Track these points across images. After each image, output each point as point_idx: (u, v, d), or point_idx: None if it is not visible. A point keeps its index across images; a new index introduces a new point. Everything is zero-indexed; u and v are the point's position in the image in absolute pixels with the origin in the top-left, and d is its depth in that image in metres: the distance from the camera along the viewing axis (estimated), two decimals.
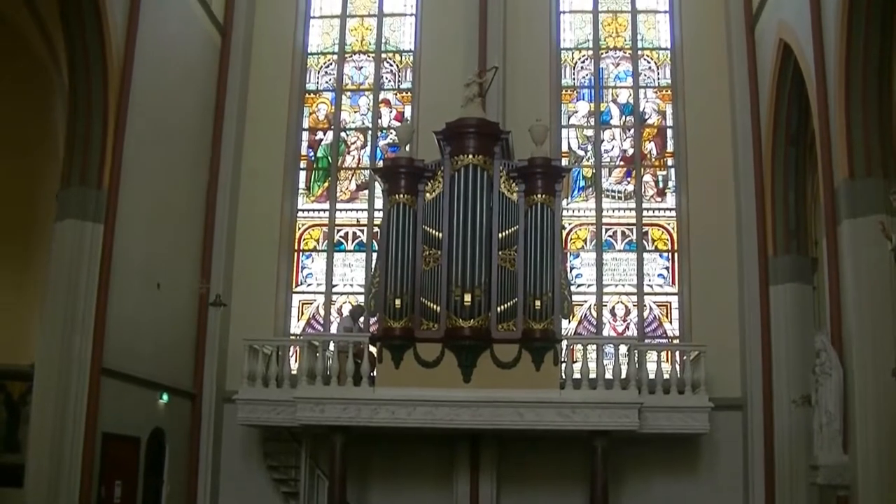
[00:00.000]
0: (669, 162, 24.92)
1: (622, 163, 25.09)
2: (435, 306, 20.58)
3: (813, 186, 21.61)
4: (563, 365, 20.84)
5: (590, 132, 25.30)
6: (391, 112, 25.99)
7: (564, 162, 24.10)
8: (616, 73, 25.69)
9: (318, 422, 20.67)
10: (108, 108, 19.66)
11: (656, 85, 25.48)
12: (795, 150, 21.73)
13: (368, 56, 26.41)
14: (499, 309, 20.50)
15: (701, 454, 22.55)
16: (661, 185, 24.88)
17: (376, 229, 24.01)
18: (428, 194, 21.08)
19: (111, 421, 19.47)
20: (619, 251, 24.54)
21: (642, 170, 24.90)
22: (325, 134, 26.01)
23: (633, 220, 24.56)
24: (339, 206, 25.43)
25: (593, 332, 23.87)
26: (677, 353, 22.53)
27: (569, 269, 23.56)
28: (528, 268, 20.47)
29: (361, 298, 23.48)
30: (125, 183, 19.83)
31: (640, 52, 25.67)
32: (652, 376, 21.08)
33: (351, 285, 24.99)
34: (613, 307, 24.29)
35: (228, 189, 24.41)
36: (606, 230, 24.61)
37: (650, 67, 25.59)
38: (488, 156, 20.87)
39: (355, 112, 26.15)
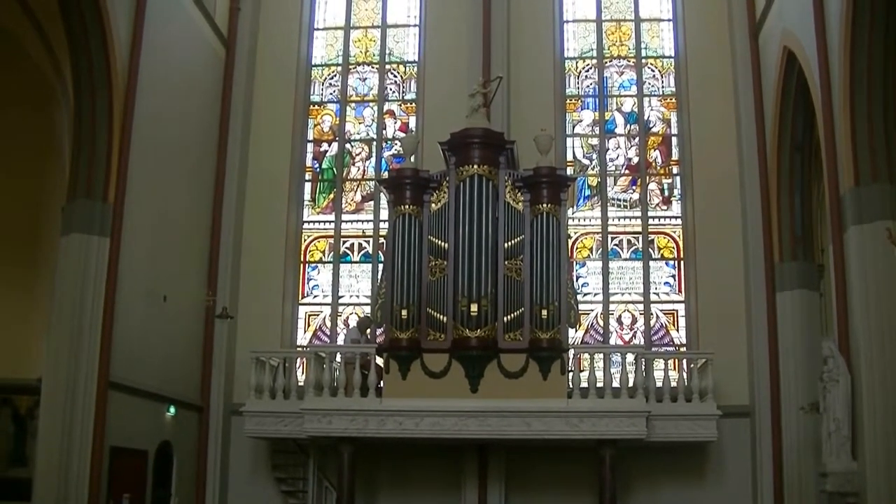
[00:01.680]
0: (675, 170, 24.92)
1: (627, 171, 25.09)
2: (441, 317, 20.56)
3: (819, 193, 21.61)
4: (571, 374, 20.82)
5: (594, 141, 25.29)
6: (396, 123, 26.01)
7: (569, 171, 24.13)
8: (620, 82, 25.71)
9: (325, 433, 20.64)
10: (112, 122, 19.66)
11: (660, 93, 25.50)
12: (801, 156, 21.75)
13: (372, 67, 26.45)
14: (505, 319, 20.46)
15: (709, 462, 22.52)
16: (666, 193, 24.86)
17: (382, 240, 24.01)
18: (433, 205, 21.08)
19: (119, 434, 19.45)
20: (625, 259, 24.53)
21: (647, 178, 24.90)
22: (329, 145, 26.03)
23: (639, 229, 24.56)
24: (344, 217, 25.45)
25: (600, 341, 23.87)
26: (684, 361, 22.32)
27: (575, 278, 23.52)
28: (534, 277, 20.45)
29: (368, 310, 23.41)
30: (131, 196, 19.84)
31: (644, 61, 25.68)
32: (659, 384, 21.10)
33: (357, 296, 24.99)
34: (620, 316, 24.27)
35: (234, 201, 24.46)
36: (612, 239, 24.60)
37: (654, 76, 25.60)
38: (493, 166, 20.87)
39: (360, 123, 26.17)
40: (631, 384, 20.63)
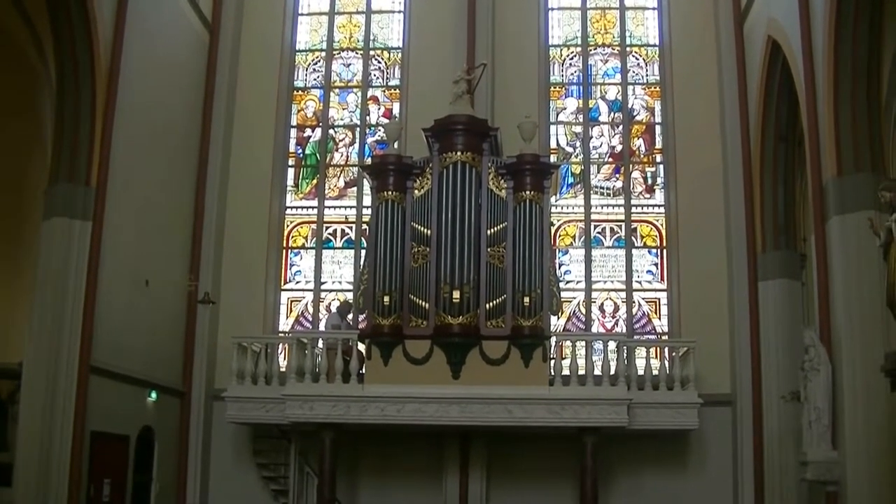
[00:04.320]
0: (658, 158, 24.94)
1: (611, 159, 25.10)
2: (424, 303, 20.57)
3: (802, 182, 21.62)
4: (553, 361, 20.84)
5: (578, 129, 25.30)
6: (379, 109, 25.95)
7: (553, 159, 24.07)
8: (604, 70, 25.71)
9: (307, 419, 20.63)
10: (95, 105, 19.63)
11: (645, 81, 25.51)
12: (784, 146, 21.77)
13: (356, 53, 26.38)
14: (487, 306, 20.48)
15: (690, 450, 22.58)
16: (649, 181, 24.89)
17: (365, 226, 23.98)
18: (416, 191, 21.08)
19: (100, 419, 19.42)
20: (608, 247, 24.54)
21: (631, 166, 24.91)
22: (313, 131, 25.98)
23: (622, 217, 24.57)
24: (327, 203, 25.40)
25: (582, 329, 23.88)
26: (666, 350, 22.51)
27: (557, 266, 23.57)
28: (516, 264, 20.46)
29: (350, 296, 23.42)
30: (113, 180, 19.78)
31: (628, 49, 25.68)
32: (641, 372, 21.07)
33: (339, 282, 24.95)
34: (602, 303, 24.30)
35: (217, 186, 24.39)
36: (595, 227, 24.61)
37: (639, 64, 25.61)
38: (477, 153, 20.87)
39: (343, 109, 26.11)
40: (613, 372, 20.74)
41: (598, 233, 24.61)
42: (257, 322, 24.23)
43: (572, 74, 25.67)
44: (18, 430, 19.36)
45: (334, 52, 26.41)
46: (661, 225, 24.46)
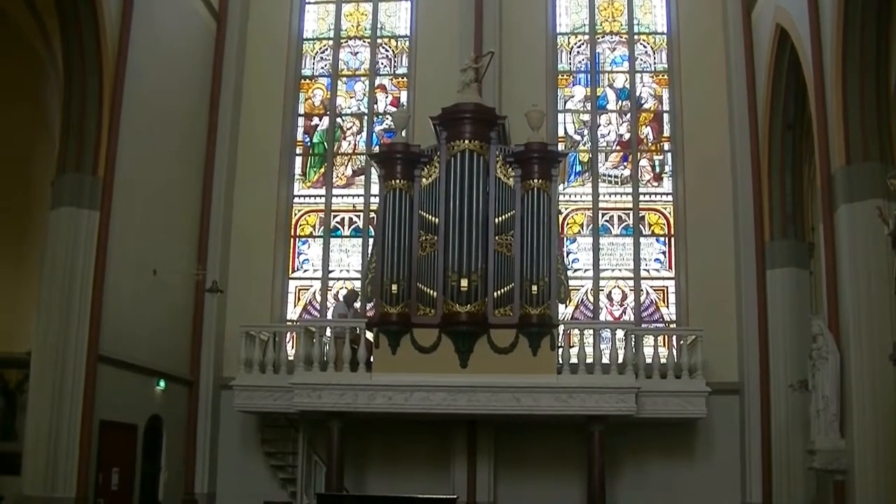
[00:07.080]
0: (666, 146, 24.88)
1: (618, 147, 25.05)
2: (431, 292, 20.58)
3: (810, 171, 21.61)
4: (560, 350, 20.84)
5: (586, 117, 25.24)
6: (387, 97, 25.94)
7: (561, 147, 24.07)
8: (612, 58, 25.65)
9: (315, 408, 20.67)
10: (102, 95, 19.59)
11: (653, 69, 25.43)
12: (792, 134, 21.73)
13: (364, 41, 26.35)
14: (495, 294, 20.48)
15: (698, 439, 22.58)
16: (657, 169, 24.83)
17: (372, 215, 23.94)
18: (424, 180, 21.07)
19: (108, 408, 19.44)
20: (616, 236, 24.52)
21: (639, 154, 24.85)
22: (320, 120, 25.98)
23: (630, 205, 24.53)
24: (335, 191, 25.42)
25: (590, 317, 23.87)
26: (674, 338, 22.35)
27: (565, 254, 23.57)
28: (524, 253, 20.46)
29: (358, 284, 23.42)
30: (120, 170, 19.77)
31: (636, 37, 25.61)
32: (649, 361, 21.13)
33: (347, 271, 24.96)
34: (610, 292, 24.27)
35: (224, 175, 24.40)
36: (603, 215, 24.59)
37: (646, 52, 25.53)
38: (484, 141, 20.86)
39: (351, 98, 26.10)
40: (621, 360, 20.68)
41: (606, 221, 24.58)
42: (265, 311, 24.26)
43: (580, 62, 25.62)
44: (27, 420, 19.43)
45: (342, 41, 26.38)
46: (669, 213, 24.41)
